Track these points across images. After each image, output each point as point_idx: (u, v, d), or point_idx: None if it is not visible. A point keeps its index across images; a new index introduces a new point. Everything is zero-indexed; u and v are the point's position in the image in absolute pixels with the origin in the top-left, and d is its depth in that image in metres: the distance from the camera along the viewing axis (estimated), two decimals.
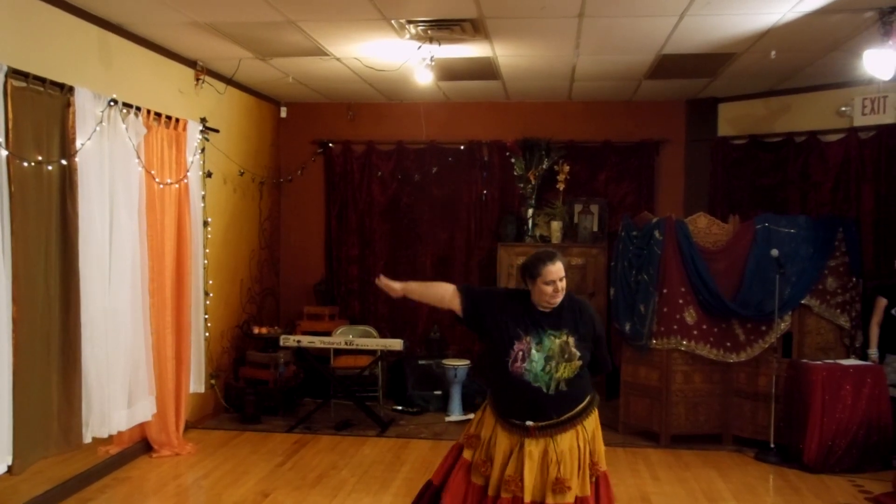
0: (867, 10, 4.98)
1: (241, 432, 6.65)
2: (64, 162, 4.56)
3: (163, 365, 5.75)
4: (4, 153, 4.12)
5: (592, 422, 3.51)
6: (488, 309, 3.51)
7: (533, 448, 3.37)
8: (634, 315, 6.46)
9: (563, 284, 3.43)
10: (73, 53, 4.97)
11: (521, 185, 8.00)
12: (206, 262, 6.57)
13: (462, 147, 8.40)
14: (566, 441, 3.39)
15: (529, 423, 3.37)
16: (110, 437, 5.25)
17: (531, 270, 3.43)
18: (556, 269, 3.40)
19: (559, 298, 3.43)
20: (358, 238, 8.57)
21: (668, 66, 6.57)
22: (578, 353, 3.39)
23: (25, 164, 4.26)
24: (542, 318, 3.44)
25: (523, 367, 3.36)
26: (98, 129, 4.86)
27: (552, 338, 3.38)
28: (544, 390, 3.35)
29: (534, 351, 3.36)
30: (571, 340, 3.39)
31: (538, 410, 3.37)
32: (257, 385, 7.17)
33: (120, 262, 5.16)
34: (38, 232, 4.40)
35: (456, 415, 7.20)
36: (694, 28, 5.44)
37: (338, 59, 6.47)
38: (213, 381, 6.92)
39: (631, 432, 6.67)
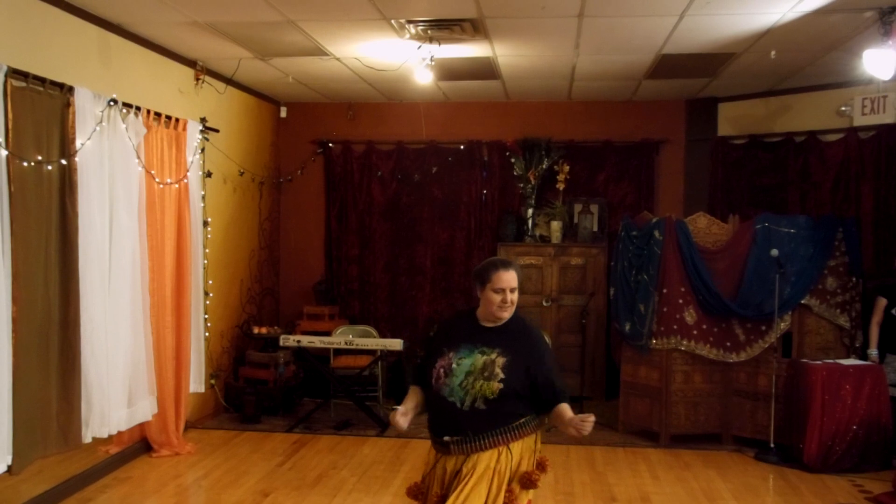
0: (867, 10, 4.98)
1: (241, 432, 6.65)
2: (64, 162, 4.56)
3: (163, 365, 5.75)
4: (4, 153, 4.12)
5: (521, 447, 3.16)
6: (430, 358, 3.28)
7: (449, 465, 3.16)
8: (634, 315, 6.46)
9: (513, 297, 3.17)
10: (73, 53, 4.96)
11: (521, 185, 8.01)
12: (206, 262, 6.57)
13: (462, 147, 8.40)
14: (483, 460, 3.09)
15: (446, 437, 3.14)
16: (110, 436, 5.25)
17: (482, 275, 3.19)
18: (508, 278, 3.16)
19: (507, 312, 3.18)
20: (358, 238, 8.57)
21: (668, 65, 6.57)
22: (502, 376, 3.07)
23: (25, 163, 4.26)
24: (480, 334, 3.20)
25: (442, 383, 3.14)
26: (98, 128, 4.86)
27: (479, 354, 3.12)
28: (458, 405, 3.09)
29: (454, 365, 3.13)
30: (500, 361, 3.10)
31: (453, 425, 3.12)
32: (257, 385, 7.17)
33: (120, 262, 5.16)
34: (38, 232, 4.39)
35: None
36: (694, 28, 5.44)
37: (338, 59, 6.47)
38: (212, 381, 6.92)
39: (631, 432, 6.66)
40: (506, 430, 3.11)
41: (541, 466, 3.19)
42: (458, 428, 3.10)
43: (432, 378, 3.19)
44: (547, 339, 3.48)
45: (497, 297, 3.15)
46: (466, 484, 3.04)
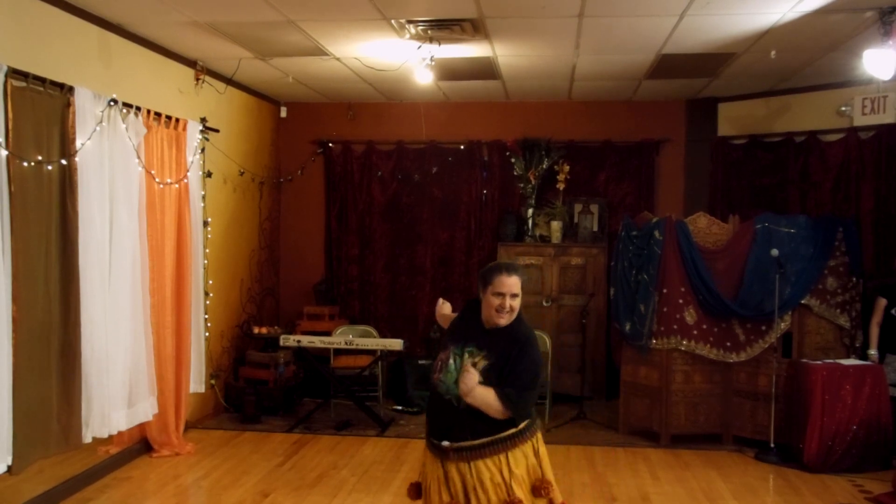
0: (867, 10, 4.98)
1: (241, 432, 6.65)
2: (64, 162, 4.56)
3: (163, 365, 5.76)
4: (4, 153, 4.12)
5: (524, 461, 3.12)
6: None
7: (454, 474, 3.09)
8: (634, 315, 6.46)
9: (514, 304, 3.11)
10: (73, 53, 4.96)
11: (521, 185, 8.01)
12: (206, 262, 6.57)
13: (462, 147, 8.40)
14: (486, 471, 3.04)
15: (445, 443, 3.09)
16: (110, 437, 5.26)
17: (485, 277, 3.17)
18: (510, 283, 3.10)
19: (504, 319, 3.11)
20: (358, 238, 8.57)
21: (668, 65, 6.57)
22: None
23: (25, 163, 4.26)
24: (478, 332, 3.17)
25: (438, 378, 3.10)
26: (98, 128, 4.86)
27: (469, 354, 3.08)
28: (455, 403, 3.04)
29: (451, 362, 3.09)
30: (482, 364, 3.03)
31: (451, 427, 3.08)
32: (257, 385, 7.17)
33: (120, 262, 5.16)
34: (38, 232, 4.40)
35: None
36: (694, 28, 5.44)
37: (338, 59, 6.47)
38: (213, 381, 6.92)
39: (631, 432, 6.66)
40: (505, 437, 3.06)
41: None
42: (456, 429, 3.06)
43: (434, 368, 3.19)
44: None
45: (496, 301, 3.11)
46: (476, 498, 3.03)
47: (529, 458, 3.14)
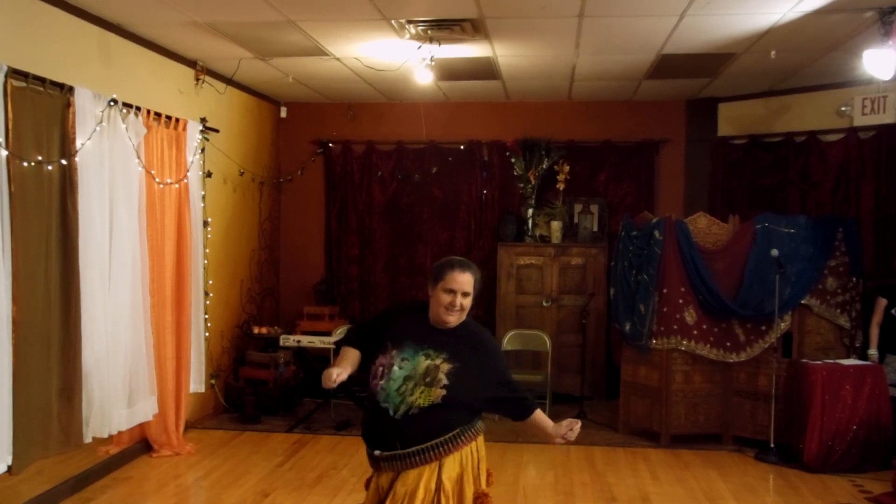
0: (867, 10, 4.98)
1: (241, 432, 6.65)
2: (64, 162, 4.56)
3: (163, 365, 5.76)
4: (4, 153, 4.12)
5: (459, 459, 2.91)
6: (372, 329, 3.09)
7: (384, 482, 2.91)
8: (634, 315, 6.46)
9: (465, 303, 2.93)
10: (73, 53, 4.96)
11: (521, 185, 8.01)
12: (206, 262, 6.57)
13: (462, 147, 8.40)
14: (413, 479, 2.84)
15: (377, 451, 2.90)
16: (110, 437, 5.26)
17: (437, 272, 2.97)
18: (463, 280, 2.92)
19: (453, 318, 2.94)
20: (358, 238, 8.57)
21: (668, 65, 6.57)
22: (445, 382, 2.83)
23: (25, 164, 4.26)
24: (428, 334, 2.96)
25: (379, 385, 2.89)
26: (98, 128, 4.86)
27: (423, 358, 2.87)
28: (390, 413, 2.84)
29: (395, 368, 2.88)
30: (446, 367, 2.85)
31: (383, 436, 2.88)
32: (257, 385, 7.17)
33: (120, 262, 5.16)
34: (38, 232, 4.39)
35: None
36: (694, 28, 5.44)
37: (338, 59, 6.47)
38: (213, 381, 6.92)
39: (631, 432, 6.66)
40: (438, 444, 2.86)
41: (489, 477, 3.03)
42: (388, 439, 2.87)
43: (370, 374, 2.95)
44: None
45: (446, 299, 2.92)
46: None
47: (467, 464, 2.93)
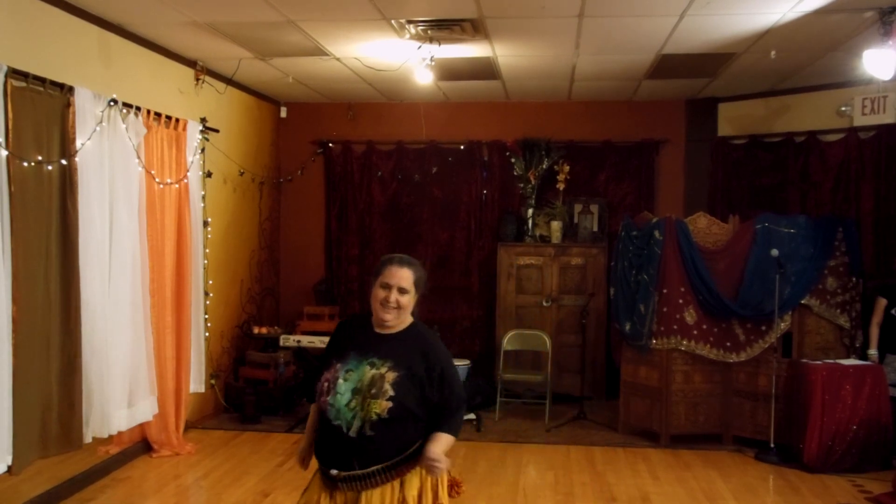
0: (867, 10, 4.98)
1: (241, 432, 6.65)
2: (64, 162, 4.56)
3: (163, 365, 5.76)
4: (4, 153, 4.12)
5: (416, 479, 2.76)
6: (327, 358, 2.89)
7: (338, 501, 2.75)
8: (634, 315, 6.46)
9: (403, 300, 2.77)
10: (73, 53, 4.96)
11: (521, 185, 8.01)
12: (206, 262, 6.57)
13: (462, 147, 8.40)
14: (376, 500, 2.70)
15: (333, 471, 2.71)
16: (110, 437, 5.26)
17: (377, 268, 2.85)
18: (400, 275, 2.77)
19: (389, 316, 2.77)
20: (358, 238, 8.57)
21: (668, 65, 6.57)
22: (391, 393, 2.65)
23: (25, 164, 4.26)
24: (372, 341, 2.80)
25: (328, 401, 2.71)
26: (98, 129, 4.86)
27: (368, 367, 2.71)
28: (344, 429, 2.66)
29: (341, 381, 2.71)
30: (391, 376, 2.68)
31: (340, 456, 2.70)
32: (257, 385, 7.17)
33: (120, 262, 5.16)
34: (38, 232, 4.39)
35: None
36: (694, 28, 5.44)
37: (338, 59, 6.47)
38: (213, 381, 6.92)
39: (631, 432, 6.66)
40: (399, 461, 2.71)
41: (453, 489, 2.87)
42: (345, 458, 2.69)
43: (318, 391, 2.79)
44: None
45: (382, 293, 2.77)
46: None
47: (426, 479, 2.78)
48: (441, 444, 2.71)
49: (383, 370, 2.70)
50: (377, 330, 2.84)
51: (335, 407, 2.69)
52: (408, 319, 2.87)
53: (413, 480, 2.76)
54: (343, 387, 2.70)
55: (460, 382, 2.86)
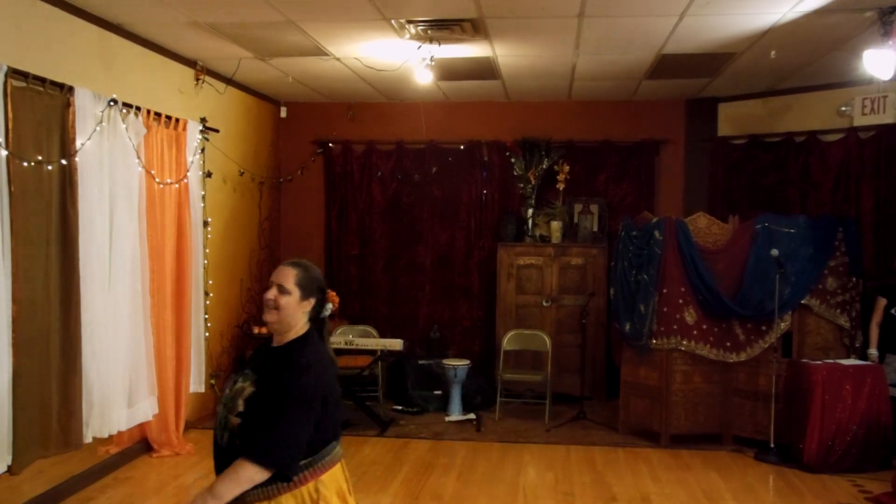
0: (867, 10, 4.98)
1: None
2: (64, 162, 4.56)
3: (163, 365, 5.75)
4: (4, 153, 4.12)
5: (303, 498, 2.50)
6: None
7: None
8: (634, 315, 6.46)
9: (282, 301, 2.55)
10: (73, 53, 4.96)
11: (521, 185, 8.01)
12: (206, 262, 6.57)
13: (462, 147, 8.40)
14: None
15: None
16: (110, 437, 5.26)
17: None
18: (283, 273, 2.58)
19: (268, 316, 2.57)
20: (358, 238, 8.57)
21: (668, 65, 6.57)
22: (241, 409, 2.47)
23: (25, 164, 4.26)
24: (262, 354, 2.67)
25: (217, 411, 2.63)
26: (98, 129, 4.86)
27: (242, 380, 2.56)
28: (218, 441, 2.54)
29: (226, 391, 2.60)
30: (248, 391, 2.50)
31: (217, 466, 2.54)
32: None
33: (120, 262, 5.16)
34: (38, 232, 4.39)
35: (456, 415, 7.20)
36: (694, 28, 5.44)
37: (338, 59, 6.47)
38: (212, 381, 6.92)
39: (631, 432, 6.66)
40: (266, 481, 2.42)
41: None
42: (218, 470, 2.51)
43: None
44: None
45: (264, 294, 2.61)
46: None
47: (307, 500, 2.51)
48: (223, 482, 2.40)
49: (245, 384, 2.53)
50: (273, 342, 2.66)
51: (218, 417, 2.58)
52: (296, 332, 2.62)
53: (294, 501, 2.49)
54: (223, 399, 2.59)
55: (299, 405, 2.46)
